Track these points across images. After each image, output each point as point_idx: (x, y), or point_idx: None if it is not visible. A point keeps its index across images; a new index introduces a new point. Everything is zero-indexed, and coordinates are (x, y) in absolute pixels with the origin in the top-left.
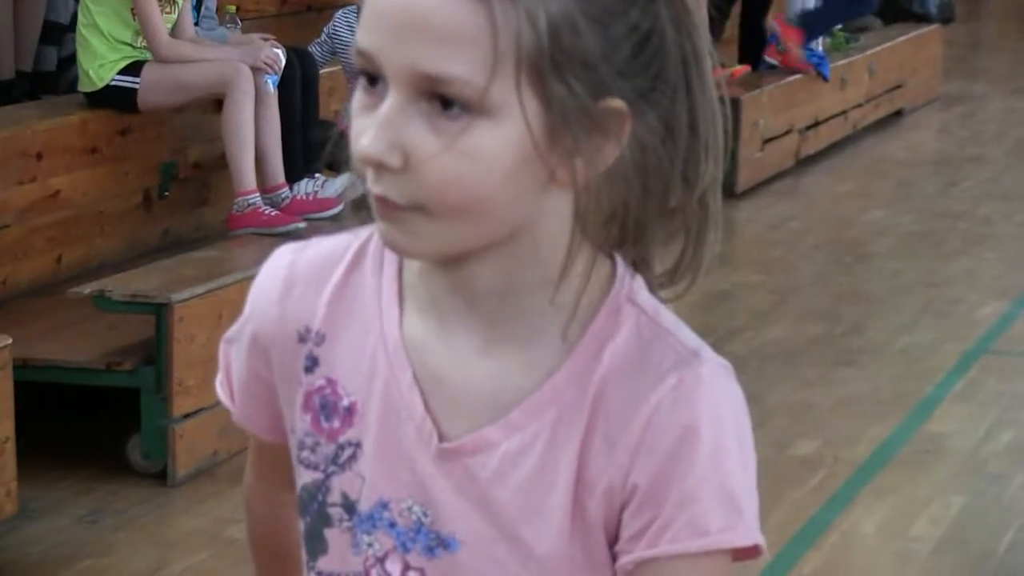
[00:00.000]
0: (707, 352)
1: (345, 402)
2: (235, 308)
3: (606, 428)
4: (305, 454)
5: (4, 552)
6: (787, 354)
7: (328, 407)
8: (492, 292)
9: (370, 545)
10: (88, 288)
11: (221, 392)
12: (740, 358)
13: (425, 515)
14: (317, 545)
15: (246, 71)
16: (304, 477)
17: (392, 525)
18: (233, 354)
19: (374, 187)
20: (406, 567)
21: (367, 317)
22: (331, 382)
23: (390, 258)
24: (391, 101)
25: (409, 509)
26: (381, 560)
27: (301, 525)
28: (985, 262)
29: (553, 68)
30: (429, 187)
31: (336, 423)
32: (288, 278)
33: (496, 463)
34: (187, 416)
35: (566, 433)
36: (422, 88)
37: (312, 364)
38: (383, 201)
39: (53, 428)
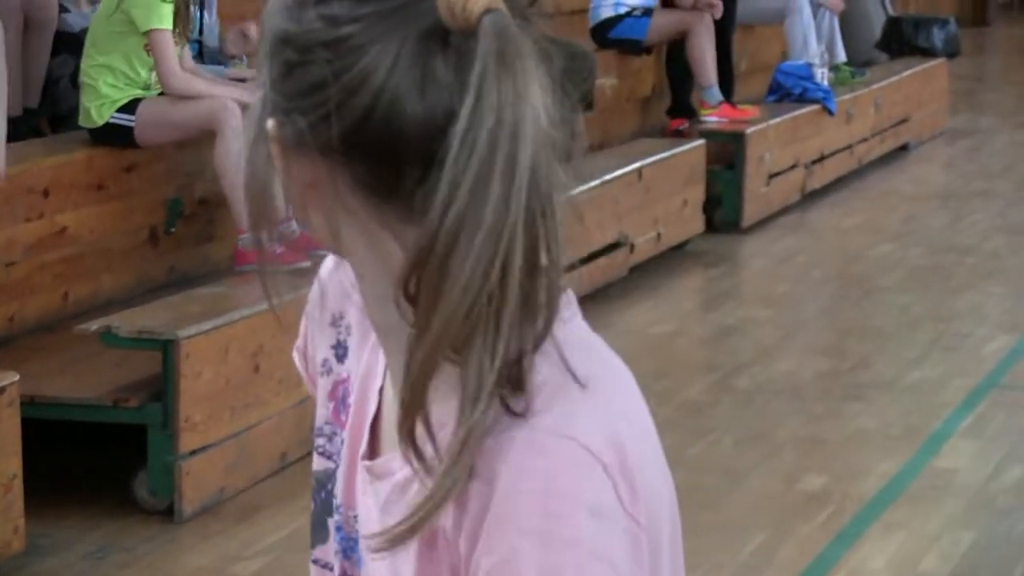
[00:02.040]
0: (547, 421)
1: (351, 398)
2: (242, 344)
3: None
4: (321, 441)
5: None
6: (795, 389)
7: (346, 399)
8: (373, 322)
9: (336, 542)
10: (95, 325)
11: (296, 357)
12: (747, 393)
13: (361, 528)
14: (319, 533)
15: (232, 107)
16: (317, 464)
17: (339, 528)
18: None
19: None
20: (343, 574)
21: None
22: (351, 375)
23: None
24: None
25: (354, 517)
26: (337, 560)
27: (311, 511)
28: (993, 296)
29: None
30: None
31: (344, 416)
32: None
33: (387, 491)
34: (194, 452)
35: None
36: None
37: (344, 353)
38: None
39: (60, 465)
